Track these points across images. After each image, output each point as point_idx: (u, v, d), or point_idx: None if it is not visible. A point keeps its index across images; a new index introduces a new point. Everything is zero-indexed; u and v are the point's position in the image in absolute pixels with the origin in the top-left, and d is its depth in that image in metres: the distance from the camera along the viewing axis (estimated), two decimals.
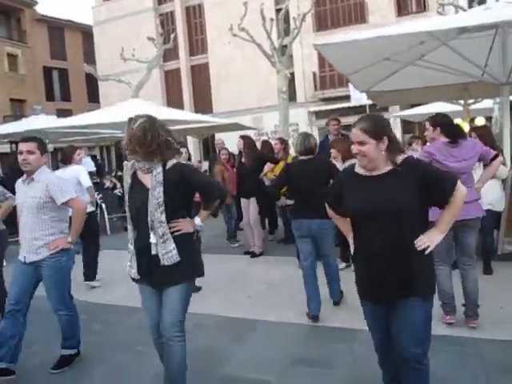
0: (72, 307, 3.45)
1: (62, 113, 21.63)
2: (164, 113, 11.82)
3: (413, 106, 12.37)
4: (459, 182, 2.20)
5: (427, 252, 2.15)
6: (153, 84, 22.90)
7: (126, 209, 2.64)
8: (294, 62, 20.65)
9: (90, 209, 5.32)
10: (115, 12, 26.38)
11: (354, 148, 2.20)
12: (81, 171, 5.38)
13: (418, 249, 2.14)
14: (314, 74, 20.78)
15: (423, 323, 2.19)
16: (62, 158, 5.65)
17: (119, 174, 14.86)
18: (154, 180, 2.50)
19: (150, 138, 2.47)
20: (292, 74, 20.86)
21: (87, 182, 5.38)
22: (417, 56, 5.77)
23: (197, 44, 25.60)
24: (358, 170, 2.27)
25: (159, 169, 2.52)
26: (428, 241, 2.16)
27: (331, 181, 3.43)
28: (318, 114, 21.76)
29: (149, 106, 11.71)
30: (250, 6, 15.57)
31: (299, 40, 17.96)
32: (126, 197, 2.64)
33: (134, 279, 2.64)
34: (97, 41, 27.32)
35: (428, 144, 3.98)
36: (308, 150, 4.09)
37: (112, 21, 26.35)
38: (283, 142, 7.20)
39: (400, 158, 2.20)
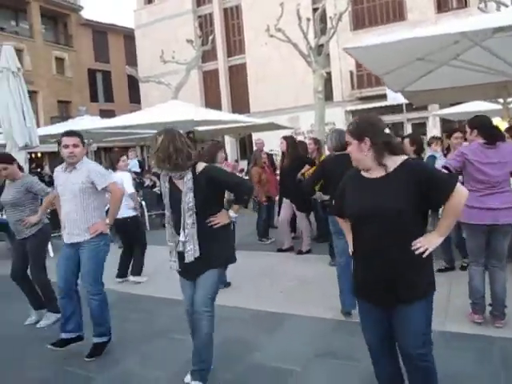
0: (103, 294, 3.67)
1: (105, 113, 22.46)
2: (202, 113, 12.15)
3: (452, 104, 12.13)
4: (459, 185, 2.16)
5: (425, 255, 2.13)
6: (192, 85, 23.37)
7: (167, 209, 2.95)
8: (331, 61, 20.57)
9: (133, 213, 5.64)
10: (156, 15, 27.09)
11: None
12: (125, 178, 5.57)
13: (416, 252, 2.11)
14: (351, 73, 20.65)
15: (425, 322, 2.21)
16: (110, 164, 5.97)
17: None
18: (185, 186, 2.79)
19: (173, 152, 2.74)
20: (329, 73, 20.79)
21: (130, 188, 5.61)
22: (451, 56, 5.73)
23: (234, 45, 25.92)
24: (362, 171, 2.31)
25: (189, 175, 2.80)
26: (427, 243, 2.13)
27: None
28: (355, 114, 21.55)
29: (187, 107, 12.08)
30: (287, 6, 15.68)
31: (336, 39, 17.90)
32: (166, 199, 2.93)
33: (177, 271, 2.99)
34: (138, 43, 28.15)
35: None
36: (344, 146, 4.18)
37: (153, 24, 27.07)
38: (317, 142, 7.31)
39: (399, 160, 2.19)
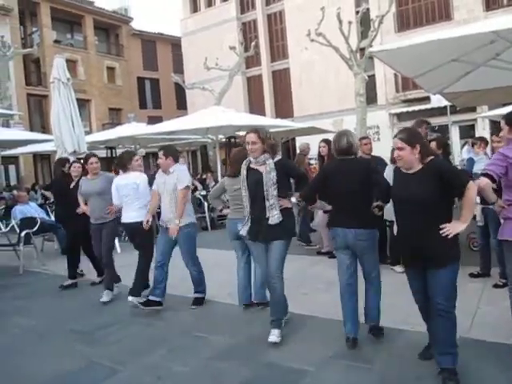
0: (198, 265, 4.83)
1: (153, 120, 23.22)
2: (242, 118, 12.35)
3: (505, 104, 11.38)
4: (471, 182, 2.76)
5: (449, 237, 2.76)
6: (236, 91, 23.75)
7: (244, 190, 3.79)
8: (375, 64, 20.24)
9: (139, 219, 4.97)
10: (201, 23, 27.74)
11: (395, 152, 2.97)
12: (141, 180, 5.19)
13: (443, 235, 2.76)
14: (396, 76, 20.19)
15: (449, 284, 2.85)
16: (118, 163, 5.56)
17: (204, 177, 15.70)
18: (268, 167, 3.65)
19: (267, 142, 3.72)
20: (373, 76, 20.47)
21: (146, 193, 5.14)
22: (490, 56, 5.54)
23: (278, 50, 26.07)
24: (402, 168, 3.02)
25: (270, 160, 3.68)
26: (451, 228, 2.77)
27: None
28: (400, 116, 21.11)
29: (228, 113, 12.33)
30: (330, 10, 15.66)
31: (380, 41, 17.65)
32: (244, 183, 3.78)
33: (247, 238, 3.86)
34: (184, 51, 28.90)
35: (503, 146, 3.39)
36: (350, 149, 3.53)
37: (198, 32, 27.73)
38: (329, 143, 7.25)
39: (428, 159, 2.90)
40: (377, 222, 3.55)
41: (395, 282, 4.47)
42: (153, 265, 4.89)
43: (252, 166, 3.78)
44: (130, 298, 4.73)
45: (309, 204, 3.99)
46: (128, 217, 5.14)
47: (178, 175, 4.71)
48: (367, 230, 3.41)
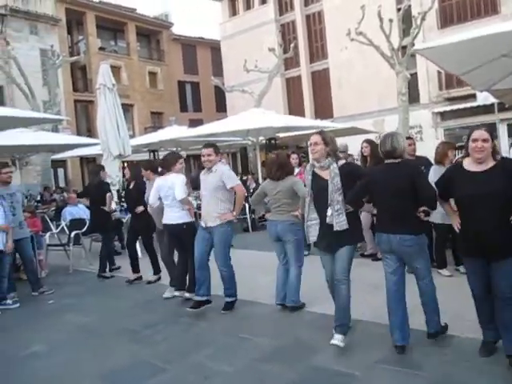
0: (231, 266, 4.74)
1: (194, 122, 23.60)
2: (282, 120, 12.36)
3: None
4: None
5: None
6: (275, 92, 23.73)
7: (308, 196, 3.75)
8: (417, 62, 19.72)
9: (188, 219, 5.26)
10: (240, 26, 27.90)
11: (479, 144, 3.04)
12: (178, 182, 5.15)
13: None
14: (439, 73, 19.58)
15: None
16: (163, 164, 5.64)
17: (244, 178, 15.82)
18: (332, 172, 3.58)
19: (333, 145, 3.68)
20: (415, 74, 19.97)
21: (181, 194, 5.07)
22: None
23: (317, 50, 25.87)
24: (467, 166, 3.16)
25: (335, 165, 3.61)
26: None
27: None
28: (444, 115, 20.45)
29: (268, 115, 12.37)
30: (371, 8, 15.40)
31: (422, 38, 17.19)
32: (309, 188, 3.75)
33: (313, 243, 3.80)
34: (224, 54, 29.18)
35: None
36: (387, 153, 3.45)
37: (237, 35, 27.92)
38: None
39: (499, 157, 3.14)
40: (423, 226, 3.48)
41: (443, 286, 4.34)
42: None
43: (316, 171, 3.73)
44: (188, 295, 5.08)
45: (356, 207, 3.72)
46: (171, 218, 5.22)
47: (226, 174, 4.67)
48: (412, 236, 3.31)
